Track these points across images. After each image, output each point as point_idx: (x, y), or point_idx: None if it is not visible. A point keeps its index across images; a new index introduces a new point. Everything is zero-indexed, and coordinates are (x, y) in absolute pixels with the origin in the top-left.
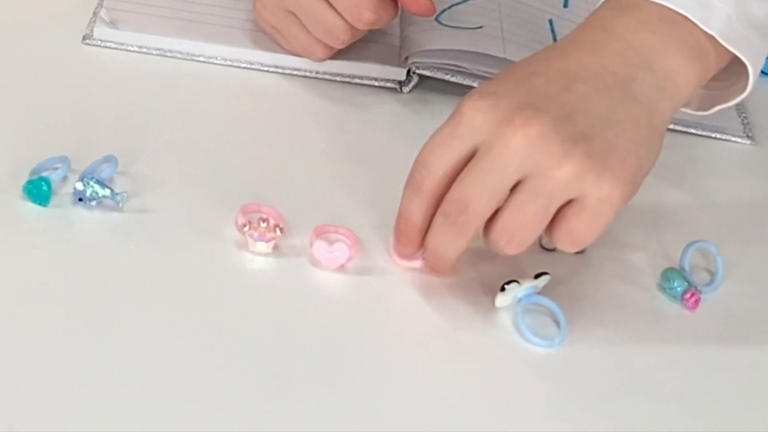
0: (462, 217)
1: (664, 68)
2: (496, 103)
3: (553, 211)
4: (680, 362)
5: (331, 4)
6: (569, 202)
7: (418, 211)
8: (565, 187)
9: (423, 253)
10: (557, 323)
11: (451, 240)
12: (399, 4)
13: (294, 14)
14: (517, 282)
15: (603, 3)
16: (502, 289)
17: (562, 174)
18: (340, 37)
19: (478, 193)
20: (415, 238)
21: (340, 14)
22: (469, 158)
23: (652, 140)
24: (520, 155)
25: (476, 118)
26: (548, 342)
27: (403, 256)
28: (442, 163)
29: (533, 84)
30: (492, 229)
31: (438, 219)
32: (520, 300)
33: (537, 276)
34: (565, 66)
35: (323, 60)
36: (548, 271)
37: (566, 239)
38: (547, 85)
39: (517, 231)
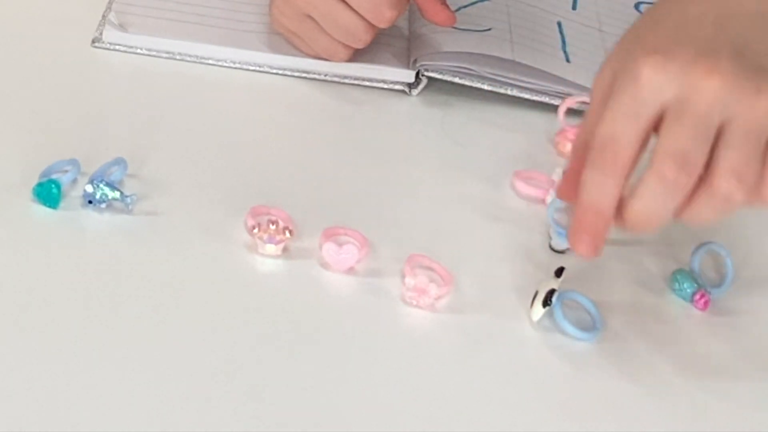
0: (682, 172)
1: None
2: (671, 57)
3: (764, 145)
4: (690, 363)
5: (349, 5)
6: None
7: (614, 194)
8: (765, 124)
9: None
10: (590, 317)
11: (666, 201)
12: (420, 13)
13: (312, 18)
14: (555, 290)
15: None
16: (546, 303)
17: (762, 107)
18: (362, 38)
19: (694, 142)
20: (604, 231)
21: (359, 15)
22: (655, 125)
23: None
24: (720, 98)
25: (658, 77)
26: (589, 335)
27: (588, 255)
28: (634, 132)
29: (689, 32)
30: (715, 175)
31: (650, 180)
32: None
33: (558, 274)
34: (706, 8)
35: (345, 60)
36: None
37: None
38: (703, 30)
39: (744, 170)
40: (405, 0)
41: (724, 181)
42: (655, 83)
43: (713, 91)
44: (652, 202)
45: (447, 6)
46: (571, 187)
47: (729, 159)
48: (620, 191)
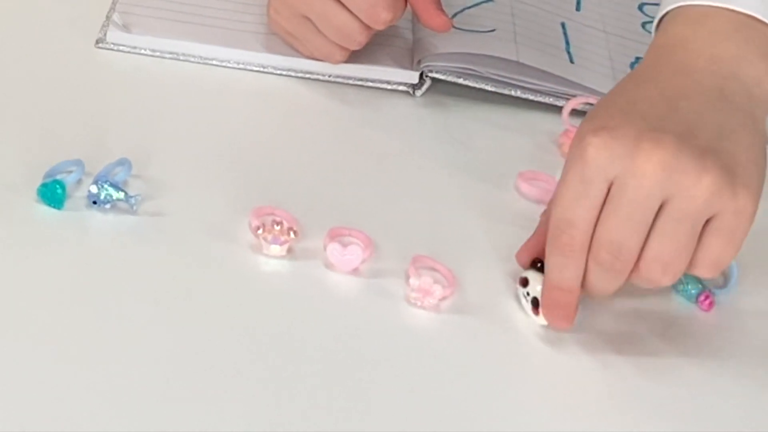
0: (618, 261)
1: (748, 75)
2: (616, 135)
3: (698, 231)
4: (694, 364)
5: (345, 7)
6: (704, 225)
7: (574, 274)
8: (707, 204)
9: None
10: None
11: (609, 282)
12: (416, 18)
13: (309, 19)
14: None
15: (668, 17)
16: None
17: (702, 190)
18: (357, 39)
19: (629, 231)
20: (574, 304)
21: (355, 16)
22: (605, 197)
23: (761, 146)
24: (659, 181)
25: (601, 155)
26: None
27: (562, 327)
28: (585, 215)
29: (640, 110)
30: (643, 263)
31: (591, 266)
32: None
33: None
34: (662, 88)
35: (341, 62)
36: None
37: (706, 262)
38: (655, 108)
39: (671, 259)
40: (401, 3)
41: (650, 269)
42: (599, 162)
43: (651, 175)
44: (598, 284)
45: (443, 11)
46: (527, 255)
47: (655, 248)
48: (582, 269)
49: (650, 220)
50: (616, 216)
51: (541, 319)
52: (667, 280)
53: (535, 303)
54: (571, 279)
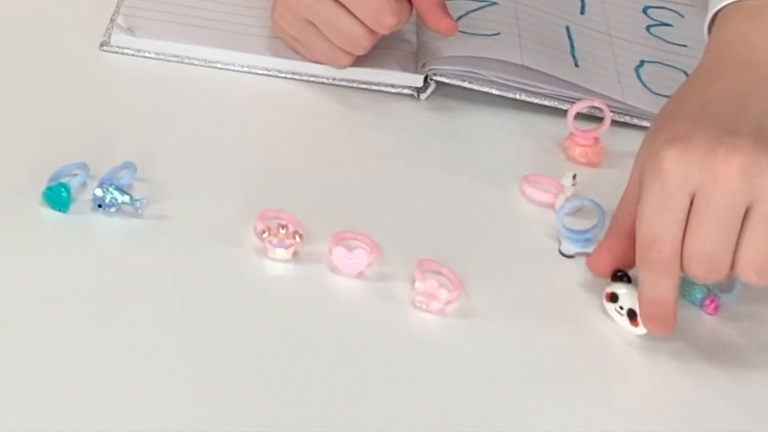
0: (710, 272)
1: None
2: (691, 144)
3: None
4: (700, 368)
5: (350, 11)
6: None
7: (670, 289)
8: None
9: None
10: None
11: (695, 292)
12: (422, 22)
13: (313, 23)
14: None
15: (722, 14)
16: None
17: None
18: (362, 44)
19: (717, 241)
20: (671, 314)
21: (359, 21)
22: (689, 209)
23: None
24: (742, 186)
25: (679, 168)
26: None
27: (664, 334)
28: (671, 229)
29: (712, 112)
30: (739, 268)
31: (688, 278)
32: None
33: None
34: (731, 87)
35: (345, 67)
36: None
37: None
38: (726, 109)
39: (764, 262)
40: (407, 8)
41: (745, 274)
42: (677, 175)
43: (732, 181)
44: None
45: (449, 15)
46: (600, 261)
47: (748, 252)
48: (676, 282)
49: (738, 226)
50: (703, 227)
51: (639, 330)
52: (763, 282)
53: (631, 315)
54: (664, 293)
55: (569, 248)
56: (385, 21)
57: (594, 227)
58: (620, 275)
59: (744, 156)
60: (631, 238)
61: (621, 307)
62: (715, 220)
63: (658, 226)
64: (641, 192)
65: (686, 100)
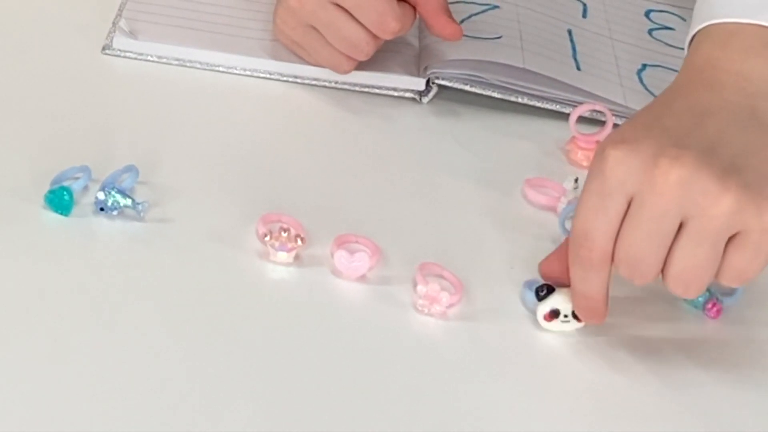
0: (637, 274)
1: None
2: (635, 149)
3: (721, 249)
4: (701, 371)
5: (353, 17)
6: (730, 238)
7: (597, 284)
8: (728, 224)
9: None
10: None
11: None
12: (427, 28)
13: (316, 29)
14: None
15: (699, 36)
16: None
17: (722, 210)
18: (365, 50)
19: (646, 248)
20: (602, 308)
21: (363, 26)
22: (625, 211)
23: None
24: (678, 198)
25: (620, 169)
26: None
27: (597, 323)
28: (603, 228)
29: (664, 125)
30: (666, 279)
31: (613, 277)
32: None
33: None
34: (691, 104)
35: (348, 73)
36: None
37: (731, 275)
38: (679, 124)
39: (692, 278)
40: (410, 13)
41: (674, 286)
42: (617, 176)
43: (669, 193)
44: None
45: (454, 20)
46: (549, 267)
47: (680, 266)
48: (605, 278)
49: (670, 237)
50: (634, 232)
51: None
52: (691, 294)
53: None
54: (594, 288)
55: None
56: (389, 26)
57: None
58: (542, 291)
59: (684, 170)
60: None
61: (566, 316)
62: (647, 227)
63: (591, 223)
64: (582, 191)
65: (647, 112)
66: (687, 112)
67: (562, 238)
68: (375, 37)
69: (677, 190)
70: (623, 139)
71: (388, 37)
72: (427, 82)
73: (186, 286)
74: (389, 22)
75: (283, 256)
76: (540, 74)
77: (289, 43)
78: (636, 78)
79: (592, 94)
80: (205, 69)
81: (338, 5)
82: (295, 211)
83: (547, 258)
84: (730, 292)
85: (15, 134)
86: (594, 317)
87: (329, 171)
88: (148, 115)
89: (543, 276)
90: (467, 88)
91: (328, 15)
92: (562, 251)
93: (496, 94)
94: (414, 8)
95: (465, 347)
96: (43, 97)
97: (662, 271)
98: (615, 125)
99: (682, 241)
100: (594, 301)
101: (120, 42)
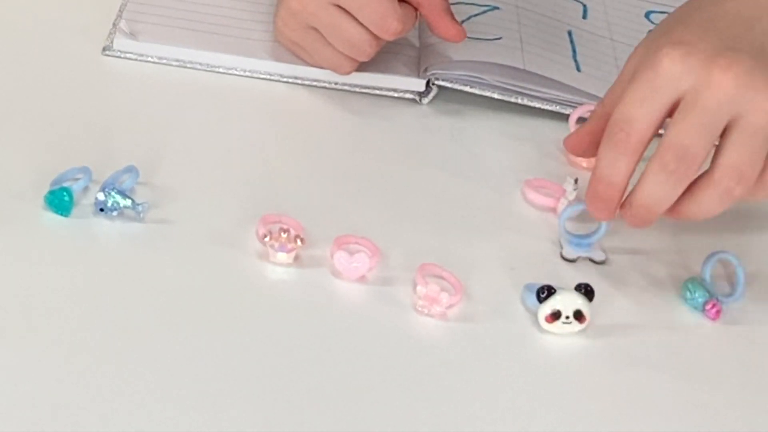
0: (682, 164)
1: None
2: (693, 50)
3: None
4: (701, 372)
5: (354, 18)
6: None
7: (624, 170)
8: None
9: (624, 208)
10: None
11: (667, 189)
12: (430, 29)
13: (317, 30)
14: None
15: None
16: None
17: None
18: (366, 50)
19: (697, 137)
20: (616, 199)
21: (365, 27)
22: (670, 111)
23: None
24: (733, 95)
25: (676, 66)
26: None
27: (603, 219)
28: (648, 116)
29: (718, 27)
30: (718, 169)
31: (653, 168)
32: None
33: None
34: (739, 7)
35: (349, 73)
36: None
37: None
38: (732, 28)
39: (745, 168)
40: (412, 14)
41: (725, 176)
42: (673, 73)
43: (726, 88)
44: (655, 189)
45: (457, 21)
46: (578, 142)
47: (732, 156)
48: (632, 168)
49: (718, 132)
50: (686, 119)
51: (584, 324)
52: (740, 190)
53: (578, 314)
54: (619, 174)
55: (571, 252)
56: (391, 27)
57: (596, 232)
58: (543, 293)
59: (741, 68)
60: None
61: (567, 317)
62: (699, 117)
63: (636, 110)
64: (632, 79)
65: (694, 13)
66: (737, 16)
67: (562, 239)
68: (376, 37)
69: (734, 86)
70: (680, 40)
71: (389, 37)
72: (427, 83)
73: (186, 287)
74: (391, 23)
75: (282, 256)
76: (540, 75)
77: (289, 44)
78: None
79: (592, 95)
80: (205, 70)
81: (339, 6)
82: (294, 212)
83: (575, 132)
84: (730, 293)
85: (15, 135)
86: (605, 208)
87: (329, 172)
88: (149, 116)
89: (568, 149)
90: (467, 89)
91: (330, 16)
92: (594, 127)
93: (496, 95)
94: (415, 9)
95: (465, 348)
96: (44, 99)
97: (714, 165)
98: None
99: (737, 134)
100: (613, 188)
101: (120, 43)
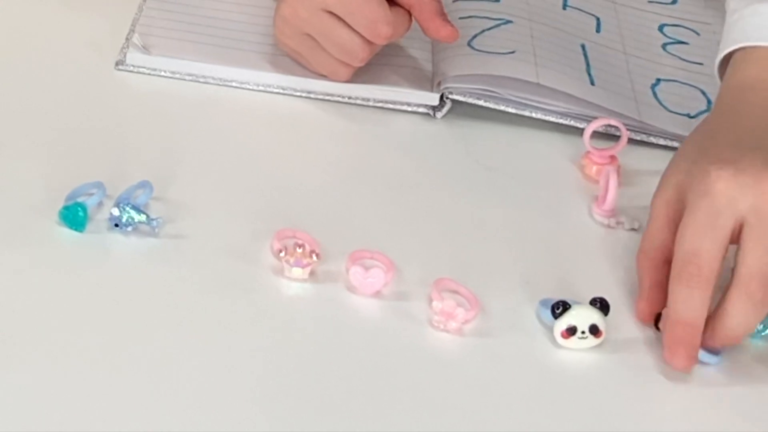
0: (759, 294)
1: None
2: (741, 169)
3: None
4: (720, 390)
5: (346, 23)
6: None
7: (701, 306)
8: None
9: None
10: None
11: (754, 317)
12: (423, 31)
13: (311, 37)
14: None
15: (736, 58)
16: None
17: None
18: (359, 55)
19: None
20: (698, 340)
21: (356, 32)
22: (733, 235)
23: None
24: None
25: (730, 188)
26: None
27: (683, 366)
28: (714, 245)
29: (752, 143)
30: None
31: (739, 298)
32: None
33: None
34: (758, 121)
35: (347, 80)
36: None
37: None
38: (764, 140)
39: None
40: (404, 18)
41: None
42: (729, 195)
43: None
44: (743, 319)
45: (450, 22)
46: (649, 306)
47: None
48: (707, 303)
49: None
50: (759, 242)
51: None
52: None
53: (594, 329)
54: (696, 312)
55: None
56: (382, 31)
57: None
58: (558, 309)
59: None
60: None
61: (583, 332)
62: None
63: (700, 240)
64: (687, 211)
65: (720, 133)
66: (761, 128)
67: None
68: (369, 42)
69: None
70: (723, 160)
71: (381, 42)
72: (441, 97)
73: (200, 303)
74: (381, 27)
75: (298, 272)
76: (554, 89)
77: (289, 51)
78: (650, 93)
79: (606, 109)
80: (218, 84)
81: (331, 12)
82: (310, 226)
83: (640, 300)
84: None
85: (30, 151)
86: (687, 355)
87: (344, 186)
88: (162, 130)
89: (645, 319)
90: (481, 103)
91: (322, 22)
92: (653, 279)
93: (510, 109)
94: (409, 13)
95: (481, 363)
96: (58, 114)
97: None
98: (629, 140)
99: None
100: (694, 328)
101: (133, 57)
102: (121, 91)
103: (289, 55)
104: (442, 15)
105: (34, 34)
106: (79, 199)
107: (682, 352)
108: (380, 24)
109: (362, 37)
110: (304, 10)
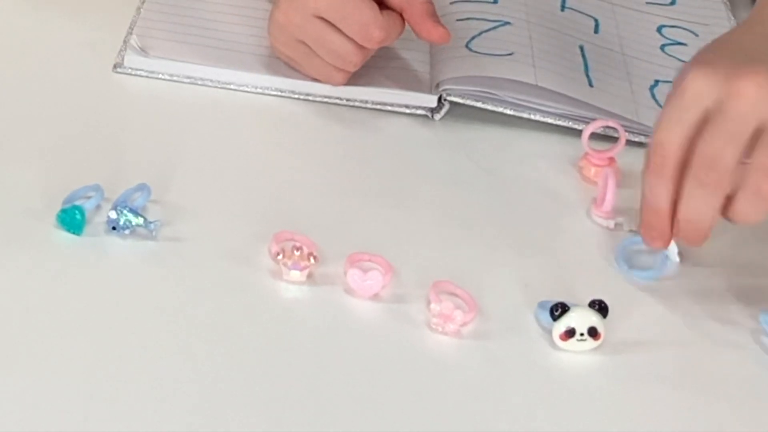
0: (713, 174)
1: None
2: (716, 67)
3: None
4: (720, 394)
5: (338, 29)
6: None
7: (666, 194)
8: None
9: (675, 229)
10: None
11: (705, 202)
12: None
13: (304, 43)
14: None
15: None
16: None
17: None
18: (352, 60)
19: (723, 146)
20: (667, 225)
21: (348, 37)
22: (700, 123)
23: None
24: (756, 103)
25: (698, 83)
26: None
27: (659, 247)
28: (678, 137)
29: (743, 47)
30: (750, 177)
31: (689, 184)
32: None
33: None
34: (765, 30)
35: (341, 84)
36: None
37: None
38: (756, 47)
39: None
40: (396, 22)
41: (759, 180)
42: (697, 90)
43: (748, 96)
44: (695, 204)
45: (441, 24)
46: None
47: (759, 157)
48: (671, 191)
49: (746, 139)
50: (712, 131)
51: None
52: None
53: (593, 332)
54: (661, 200)
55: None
56: (373, 36)
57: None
58: (557, 311)
59: (762, 76)
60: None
61: (581, 334)
62: (725, 127)
63: (666, 132)
64: (663, 106)
65: (725, 38)
66: (763, 38)
67: (575, 256)
68: (361, 47)
69: (755, 94)
70: (703, 60)
71: (373, 46)
72: (439, 99)
73: (199, 306)
74: (373, 32)
75: (296, 274)
76: (552, 91)
77: (284, 57)
78: (649, 94)
79: (604, 110)
80: (216, 87)
81: (322, 18)
82: (307, 229)
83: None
84: None
85: (27, 154)
86: (659, 237)
87: (342, 189)
88: (160, 133)
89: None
90: (479, 104)
91: (314, 28)
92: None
93: (508, 111)
94: (401, 16)
95: (479, 366)
96: (55, 116)
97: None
98: (628, 142)
99: (763, 137)
100: (661, 214)
101: (131, 60)
102: (119, 94)
103: (283, 60)
104: (434, 17)
105: (31, 36)
106: (77, 202)
107: (655, 235)
108: (372, 28)
109: (354, 42)
110: (296, 16)
